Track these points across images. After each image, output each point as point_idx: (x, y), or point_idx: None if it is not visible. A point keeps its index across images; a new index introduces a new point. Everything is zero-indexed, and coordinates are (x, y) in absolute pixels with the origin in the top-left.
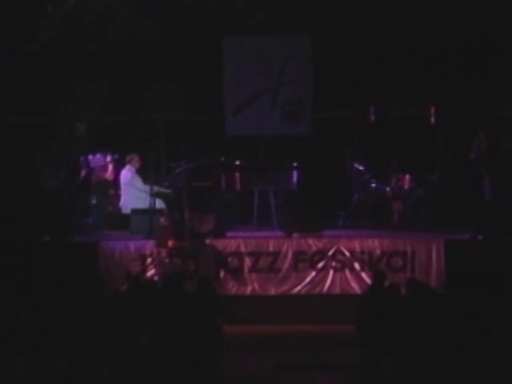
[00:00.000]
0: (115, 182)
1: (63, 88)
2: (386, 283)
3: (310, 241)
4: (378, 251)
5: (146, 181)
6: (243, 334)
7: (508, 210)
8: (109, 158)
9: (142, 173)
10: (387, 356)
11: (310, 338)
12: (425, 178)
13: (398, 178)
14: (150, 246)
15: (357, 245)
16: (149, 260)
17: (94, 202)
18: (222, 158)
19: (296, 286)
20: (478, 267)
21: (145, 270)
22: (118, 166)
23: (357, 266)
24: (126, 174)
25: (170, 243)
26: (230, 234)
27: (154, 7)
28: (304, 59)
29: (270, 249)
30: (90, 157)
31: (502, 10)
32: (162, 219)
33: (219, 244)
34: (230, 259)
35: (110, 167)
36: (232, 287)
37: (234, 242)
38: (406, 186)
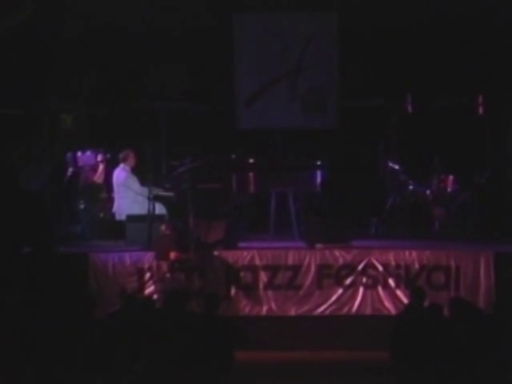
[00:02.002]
0: (106, 185)
1: (47, 73)
2: (426, 303)
3: (337, 252)
4: (417, 265)
5: (143, 182)
6: (258, 361)
7: None
8: (100, 158)
9: (140, 172)
10: None
11: (336, 365)
12: (471, 180)
13: (440, 180)
14: (148, 258)
15: (391, 257)
16: (147, 275)
17: (82, 206)
18: (233, 156)
19: (320, 305)
20: None
21: (142, 286)
22: (110, 167)
23: (391, 282)
24: (120, 173)
25: (172, 255)
26: (242, 244)
27: None
28: (329, 40)
29: (290, 262)
30: (79, 154)
31: None
32: (163, 227)
33: (230, 256)
34: (242, 274)
35: (101, 168)
36: (245, 307)
37: (248, 254)
38: (450, 189)
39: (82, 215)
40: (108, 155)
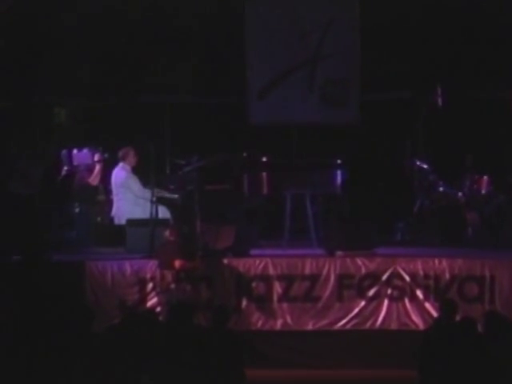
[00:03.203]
0: (104, 186)
1: (38, 62)
2: (458, 317)
3: (359, 261)
4: (447, 275)
5: (145, 183)
6: (271, 380)
7: None
8: (97, 157)
9: (141, 172)
10: None
11: None
12: (508, 181)
13: (474, 181)
14: (151, 267)
15: (419, 266)
16: (150, 285)
17: (77, 209)
18: (245, 154)
19: (340, 319)
20: None
21: (144, 298)
22: (108, 168)
23: (419, 294)
24: (120, 173)
25: (177, 264)
26: (254, 251)
27: None
28: (350, 25)
29: (307, 271)
30: (75, 151)
31: None
32: (167, 233)
33: (241, 265)
34: (254, 284)
35: (97, 169)
36: (257, 320)
37: (260, 263)
38: (484, 191)
39: (77, 219)
40: (106, 155)
